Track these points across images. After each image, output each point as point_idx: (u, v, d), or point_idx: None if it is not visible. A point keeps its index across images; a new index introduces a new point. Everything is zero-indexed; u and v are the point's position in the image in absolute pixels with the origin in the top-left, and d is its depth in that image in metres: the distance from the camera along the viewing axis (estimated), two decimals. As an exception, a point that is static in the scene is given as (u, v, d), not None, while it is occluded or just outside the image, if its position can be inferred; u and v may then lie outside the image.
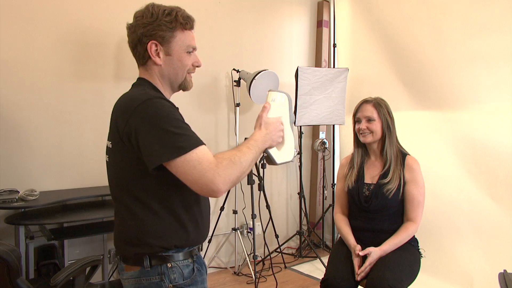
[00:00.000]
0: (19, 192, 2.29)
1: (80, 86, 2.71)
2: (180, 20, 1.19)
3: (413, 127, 3.10)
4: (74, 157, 2.69)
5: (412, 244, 2.00)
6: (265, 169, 3.37)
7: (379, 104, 2.02)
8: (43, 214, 2.33)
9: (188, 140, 1.05)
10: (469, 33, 2.79)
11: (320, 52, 3.99)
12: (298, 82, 3.19)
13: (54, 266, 2.37)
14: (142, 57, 1.21)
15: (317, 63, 4.02)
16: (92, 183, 2.74)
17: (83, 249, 2.66)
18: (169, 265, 1.14)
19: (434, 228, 2.90)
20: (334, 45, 3.88)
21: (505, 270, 1.54)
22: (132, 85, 1.27)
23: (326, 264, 2.11)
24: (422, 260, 1.99)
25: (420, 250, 2.02)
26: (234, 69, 3.33)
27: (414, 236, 2.01)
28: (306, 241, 3.68)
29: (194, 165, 1.02)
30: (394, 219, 1.99)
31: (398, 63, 3.26)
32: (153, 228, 1.13)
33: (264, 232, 3.28)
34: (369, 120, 2.01)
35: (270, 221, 3.27)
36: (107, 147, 1.22)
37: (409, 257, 1.92)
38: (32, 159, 2.54)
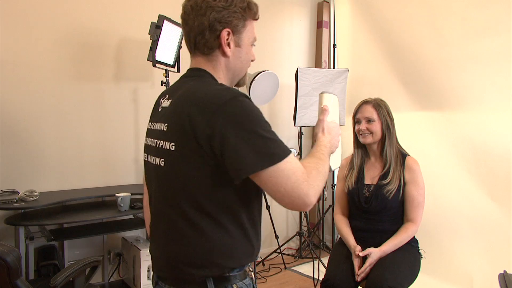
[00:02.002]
0: (19, 193, 2.29)
1: (80, 87, 2.71)
2: (254, 9, 1.07)
3: (413, 127, 3.09)
4: (74, 158, 2.69)
5: (412, 244, 2.00)
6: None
7: (379, 105, 2.02)
8: (43, 214, 2.32)
9: (280, 147, 0.92)
10: (469, 34, 2.79)
11: (320, 53, 3.99)
12: (298, 83, 3.19)
13: (54, 267, 2.37)
14: (208, 46, 1.04)
15: (317, 63, 4.02)
16: (92, 184, 2.74)
17: (83, 249, 2.66)
18: (234, 286, 1.02)
19: (434, 228, 2.90)
20: (334, 46, 3.88)
21: (505, 271, 1.54)
22: (186, 75, 1.09)
23: (326, 265, 2.11)
24: (422, 260, 1.99)
25: (420, 251, 2.02)
26: (234, 70, 3.33)
27: (414, 236, 2.01)
28: (306, 241, 3.68)
29: (288, 175, 0.90)
30: (394, 220, 1.99)
31: (398, 64, 3.26)
32: (224, 246, 0.99)
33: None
34: (369, 121, 2.01)
35: (270, 222, 3.26)
36: (160, 147, 1.03)
37: (409, 257, 1.92)
38: (32, 159, 2.54)
